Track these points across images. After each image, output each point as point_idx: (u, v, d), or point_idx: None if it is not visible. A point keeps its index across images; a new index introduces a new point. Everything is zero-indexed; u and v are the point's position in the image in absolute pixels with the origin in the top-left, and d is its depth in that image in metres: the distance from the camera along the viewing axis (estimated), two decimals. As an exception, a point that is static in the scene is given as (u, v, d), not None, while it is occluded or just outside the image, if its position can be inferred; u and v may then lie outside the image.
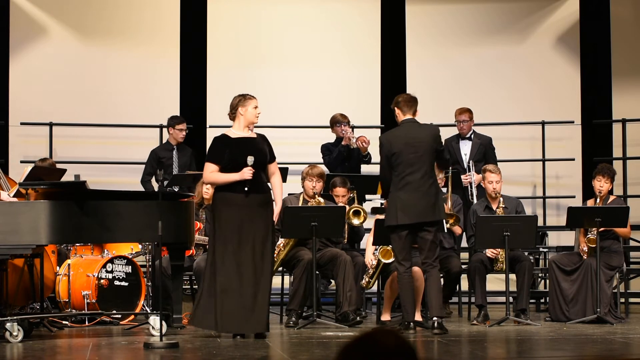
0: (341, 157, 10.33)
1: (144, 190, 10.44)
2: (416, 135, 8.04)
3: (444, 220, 8.74)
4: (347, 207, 9.02)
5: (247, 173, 7.48)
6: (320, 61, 12.04)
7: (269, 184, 7.79)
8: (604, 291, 8.96)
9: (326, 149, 10.51)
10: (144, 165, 10.95)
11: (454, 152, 10.46)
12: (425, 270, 8.09)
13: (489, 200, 9.24)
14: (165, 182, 10.07)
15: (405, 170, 7.93)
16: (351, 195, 9.33)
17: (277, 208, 7.80)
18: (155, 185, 10.51)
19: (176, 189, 10.27)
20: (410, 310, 8.00)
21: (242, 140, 7.65)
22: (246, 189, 7.48)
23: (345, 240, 9.21)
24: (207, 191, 8.97)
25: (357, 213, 9.10)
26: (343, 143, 10.33)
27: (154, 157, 10.74)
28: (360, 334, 2.84)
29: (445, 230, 9.02)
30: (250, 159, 7.50)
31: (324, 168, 9.50)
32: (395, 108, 8.18)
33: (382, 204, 9.57)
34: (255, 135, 7.77)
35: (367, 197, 10.39)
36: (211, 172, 7.63)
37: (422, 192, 7.92)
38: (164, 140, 11.29)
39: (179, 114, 11.30)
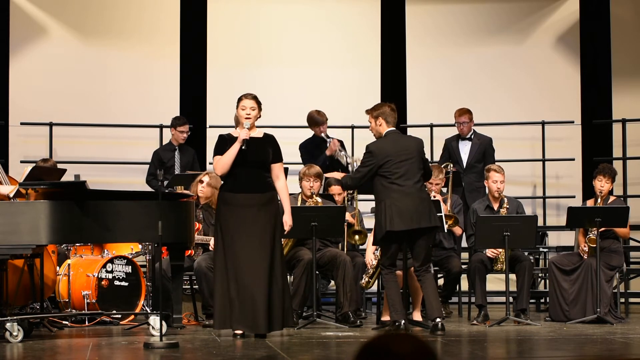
0: (324, 166, 10.10)
1: (146, 190, 10.44)
2: (405, 144, 8.04)
3: (444, 221, 8.77)
4: (348, 228, 8.95)
5: (242, 134, 7.51)
6: (320, 61, 12.04)
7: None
8: (604, 291, 8.95)
9: (306, 151, 10.25)
10: (143, 165, 10.97)
11: (454, 152, 10.45)
12: (418, 276, 8.08)
13: (490, 200, 9.23)
14: (165, 182, 10.07)
15: (400, 178, 7.88)
16: (349, 194, 9.32)
17: (286, 215, 7.64)
18: None
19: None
20: (399, 309, 7.97)
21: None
22: (243, 147, 7.48)
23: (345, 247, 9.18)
24: (202, 189, 8.95)
25: (357, 233, 9.11)
26: (327, 153, 10.11)
27: (157, 157, 10.77)
28: (373, 339, 2.71)
29: (445, 231, 9.03)
30: (246, 122, 7.54)
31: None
32: (380, 118, 8.08)
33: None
34: (261, 135, 7.73)
35: (361, 197, 10.33)
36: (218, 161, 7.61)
37: (418, 198, 7.90)
38: (164, 140, 11.30)
39: (179, 114, 11.30)
